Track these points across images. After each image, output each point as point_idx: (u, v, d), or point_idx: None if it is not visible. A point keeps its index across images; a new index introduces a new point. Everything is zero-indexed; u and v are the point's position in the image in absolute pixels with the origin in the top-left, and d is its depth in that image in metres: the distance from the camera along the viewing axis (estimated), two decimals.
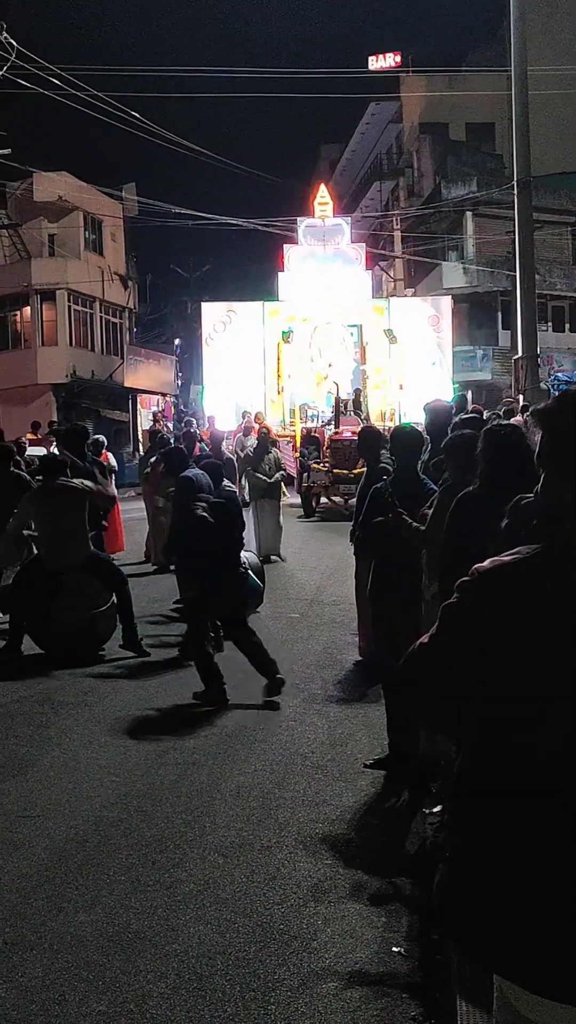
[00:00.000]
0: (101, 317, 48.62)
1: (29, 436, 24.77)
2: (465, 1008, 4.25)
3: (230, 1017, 4.59)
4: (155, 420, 37.90)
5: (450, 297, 38.01)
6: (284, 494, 19.59)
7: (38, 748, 8.52)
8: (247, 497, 18.29)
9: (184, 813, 7.01)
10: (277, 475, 18.51)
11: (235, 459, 19.80)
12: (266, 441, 19.37)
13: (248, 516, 17.21)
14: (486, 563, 2.47)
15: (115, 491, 14.75)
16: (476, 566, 2.49)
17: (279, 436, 30.42)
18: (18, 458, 14.47)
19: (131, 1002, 4.72)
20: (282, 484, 19.37)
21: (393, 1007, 4.67)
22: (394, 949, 5.17)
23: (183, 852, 6.38)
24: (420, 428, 8.97)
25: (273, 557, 17.67)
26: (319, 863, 6.19)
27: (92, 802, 7.26)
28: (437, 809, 6.59)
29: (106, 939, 5.31)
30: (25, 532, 12.06)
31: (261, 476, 18.24)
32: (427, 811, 6.85)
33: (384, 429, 13.22)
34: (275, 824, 6.80)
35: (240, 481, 25.02)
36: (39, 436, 25.28)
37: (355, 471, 20.60)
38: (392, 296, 45.71)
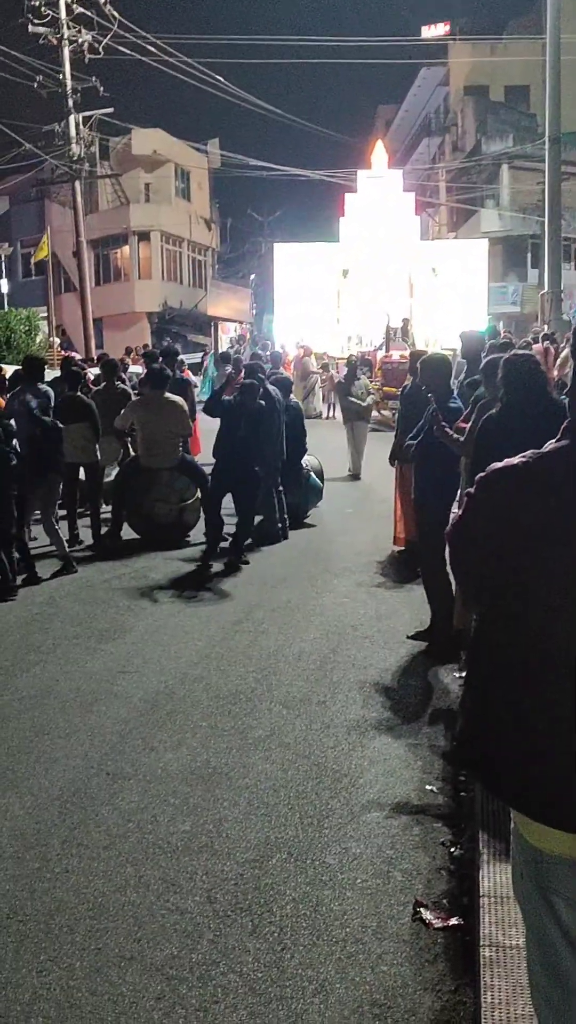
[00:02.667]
0: (188, 255, 48.05)
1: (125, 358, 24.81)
2: (486, 836, 4.30)
3: (291, 838, 4.69)
4: (235, 343, 37.57)
5: (487, 240, 37.09)
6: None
7: (135, 616, 8.64)
8: (341, 419, 17.15)
9: (255, 672, 7.10)
10: (369, 399, 17.04)
11: (294, 379, 19.31)
12: (356, 368, 17.61)
13: (343, 436, 16.86)
14: (498, 463, 2.45)
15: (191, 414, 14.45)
16: (492, 464, 2.46)
17: (338, 360, 30.19)
18: (121, 374, 14.50)
19: (210, 823, 4.84)
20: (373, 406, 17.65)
21: (426, 834, 4.74)
22: (428, 787, 5.23)
23: (254, 704, 6.48)
24: (452, 354, 8.78)
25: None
26: (366, 715, 6.26)
27: (179, 661, 7.37)
28: (465, 673, 6.61)
29: (190, 773, 5.43)
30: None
31: (354, 400, 16.58)
32: (456, 674, 6.89)
33: (433, 352, 12.97)
34: (330, 683, 6.87)
35: (306, 400, 24.89)
36: (132, 359, 25.24)
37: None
38: (437, 238, 44.73)
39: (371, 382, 24.75)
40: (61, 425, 10.08)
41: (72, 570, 10.09)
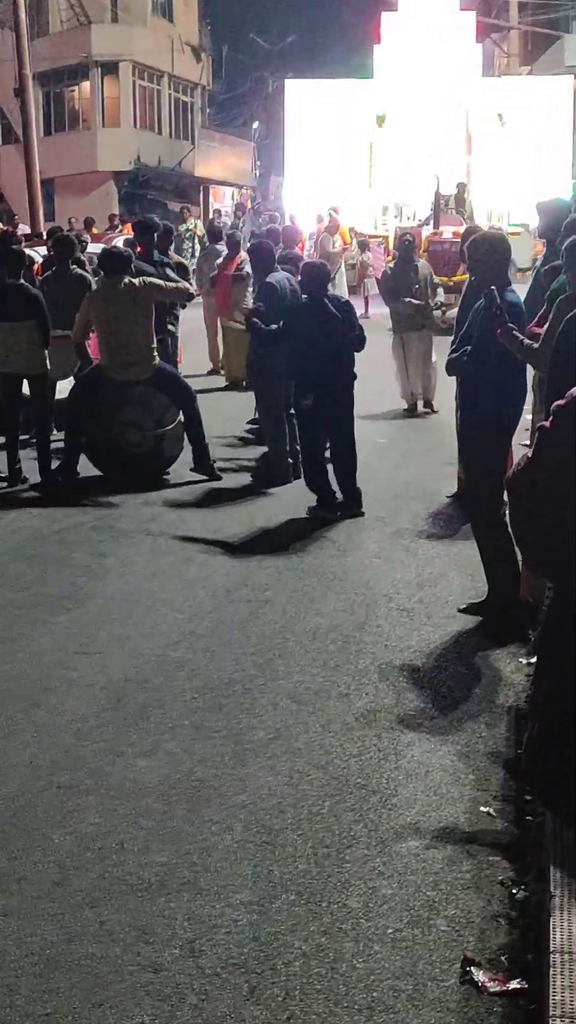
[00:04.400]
0: (170, 95, 47.64)
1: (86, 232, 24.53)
2: (559, 873, 4.32)
3: (301, 874, 4.72)
4: (235, 215, 37.32)
5: (572, 76, 36.62)
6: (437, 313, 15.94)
7: (97, 580, 8.67)
8: (390, 327, 15.72)
9: (255, 655, 7.13)
10: (437, 299, 15.50)
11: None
12: (410, 252, 15.83)
13: (390, 352, 15.37)
14: None
15: (192, 287, 14.57)
16: (572, 390, 2.44)
17: (371, 237, 29.94)
18: (79, 255, 14.29)
19: (194, 854, 4.88)
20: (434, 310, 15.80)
21: (479, 870, 4.76)
22: (483, 809, 5.26)
23: (253, 697, 6.51)
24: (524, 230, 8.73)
25: (422, 409, 15.18)
26: (402, 713, 6.29)
27: (154, 640, 7.41)
28: (534, 660, 6.62)
29: (168, 787, 5.47)
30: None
31: (407, 299, 14.79)
32: (524, 661, 6.90)
33: (490, 229, 12.78)
34: (354, 670, 6.89)
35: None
36: (97, 232, 25.05)
37: (455, 278, 20.06)
38: (505, 74, 44.15)
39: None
40: None
41: None
